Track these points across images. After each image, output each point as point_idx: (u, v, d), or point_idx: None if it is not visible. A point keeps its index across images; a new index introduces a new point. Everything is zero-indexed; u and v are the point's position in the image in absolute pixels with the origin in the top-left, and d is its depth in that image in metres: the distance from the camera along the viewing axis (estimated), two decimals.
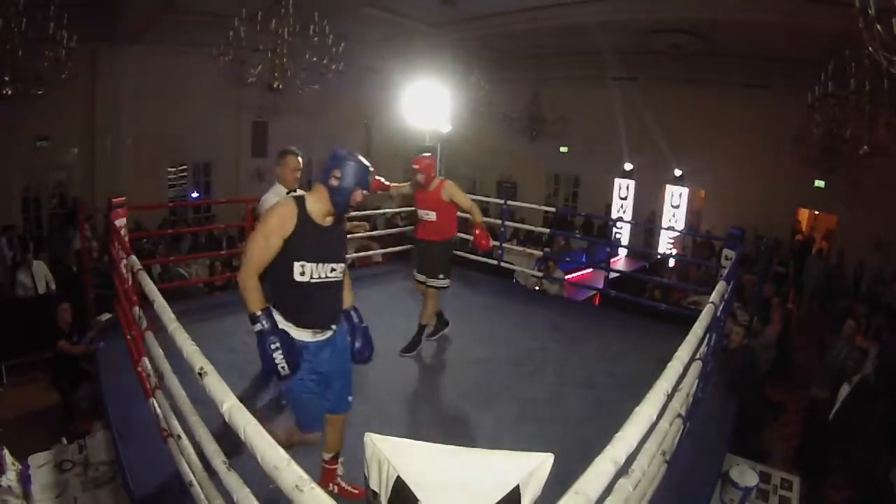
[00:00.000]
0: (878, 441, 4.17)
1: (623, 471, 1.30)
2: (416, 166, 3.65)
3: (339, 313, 2.22)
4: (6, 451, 2.64)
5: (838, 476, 4.32)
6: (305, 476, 1.07)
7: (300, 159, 3.26)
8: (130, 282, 2.90)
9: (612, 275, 6.27)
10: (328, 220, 2.04)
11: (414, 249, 4.04)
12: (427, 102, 6.27)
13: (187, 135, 9.77)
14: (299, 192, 3.33)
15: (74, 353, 4.46)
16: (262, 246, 1.93)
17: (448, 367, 3.68)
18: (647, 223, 11.25)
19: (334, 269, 2.05)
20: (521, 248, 6.56)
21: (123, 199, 3.84)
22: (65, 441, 3.34)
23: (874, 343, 5.29)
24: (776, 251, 9.44)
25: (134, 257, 2.80)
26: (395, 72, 10.11)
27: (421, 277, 3.79)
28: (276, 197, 3.21)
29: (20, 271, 6.26)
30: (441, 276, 3.70)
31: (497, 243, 5.97)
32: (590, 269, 8.04)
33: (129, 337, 3.23)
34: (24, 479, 2.62)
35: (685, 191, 11.07)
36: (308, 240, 1.96)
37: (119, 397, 3.06)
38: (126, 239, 3.49)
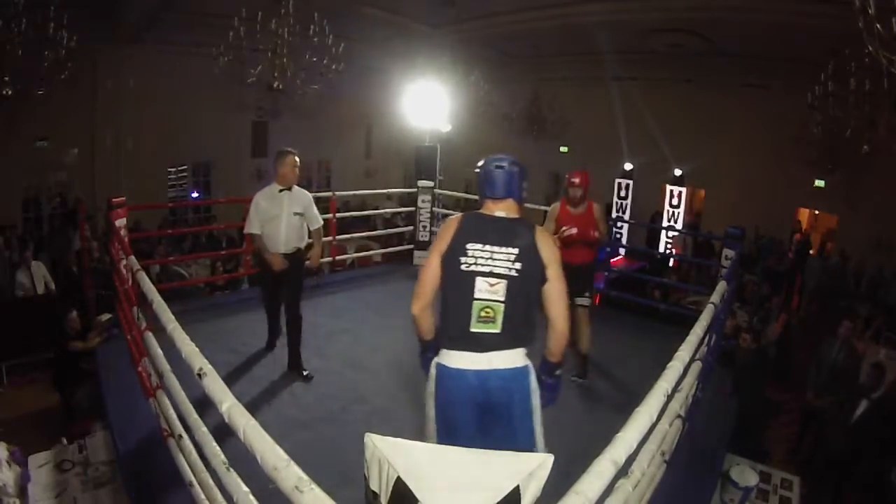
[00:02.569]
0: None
1: (623, 471, 1.30)
2: (575, 180, 3.40)
3: None
4: (2, 447, 2.64)
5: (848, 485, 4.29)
6: (305, 476, 1.07)
7: (297, 158, 3.43)
8: (130, 282, 2.91)
9: (613, 275, 6.27)
10: None
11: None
12: (427, 102, 6.28)
13: (187, 135, 9.77)
14: (295, 189, 3.45)
15: (90, 348, 4.38)
16: None
17: None
18: (650, 223, 11.24)
19: None
20: None
21: (123, 199, 3.85)
22: (65, 441, 3.34)
23: (888, 352, 5.20)
24: (776, 251, 9.43)
25: (133, 258, 2.80)
26: (395, 72, 10.11)
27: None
28: (263, 196, 3.41)
29: (19, 271, 6.26)
30: (587, 293, 3.51)
31: None
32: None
33: (129, 337, 3.23)
34: (23, 476, 2.62)
35: (685, 191, 11.06)
36: None
37: (119, 397, 3.06)
38: (126, 239, 3.50)
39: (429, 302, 1.81)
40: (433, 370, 1.79)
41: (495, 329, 1.70)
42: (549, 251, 1.75)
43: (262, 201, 3.38)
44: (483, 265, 1.70)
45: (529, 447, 1.76)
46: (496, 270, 1.69)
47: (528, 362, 1.78)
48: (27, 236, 8.07)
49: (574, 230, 3.32)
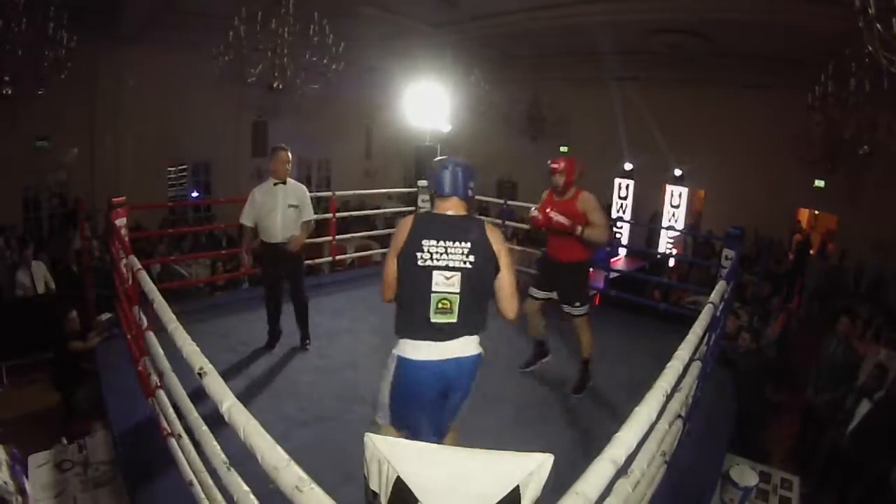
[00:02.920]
0: None
1: (623, 471, 1.30)
2: (554, 167, 3.13)
3: None
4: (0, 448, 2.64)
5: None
6: (305, 476, 1.07)
7: (289, 154, 3.65)
8: (130, 281, 2.91)
9: (613, 274, 6.27)
10: None
11: (540, 264, 3.56)
12: (427, 102, 6.28)
13: (187, 135, 9.77)
14: (291, 182, 3.60)
15: (90, 348, 4.39)
16: None
17: None
18: (650, 223, 11.24)
19: None
20: (521, 248, 6.55)
21: (123, 198, 3.85)
22: (65, 441, 3.34)
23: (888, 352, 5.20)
24: (776, 251, 9.43)
25: (133, 257, 2.80)
26: (395, 72, 10.11)
27: (539, 294, 3.37)
28: (259, 190, 3.64)
29: (19, 271, 6.26)
30: (577, 303, 3.24)
31: None
32: (590, 269, 8.03)
33: (129, 336, 3.23)
34: (17, 473, 2.62)
35: (685, 191, 11.06)
36: None
37: (119, 397, 3.06)
38: (126, 238, 3.50)
39: (394, 292, 1.95)
40: (393, 361, 1.89)
41: (452, 319, 1.82)
42: (498, 244, 1.88)
43: (257, 195, 3.61)
44: (438, 260, 1.80)
45: (463, 408, 2.02)
46: (451, 264, 1.81)
47: (480, 350, 1.94)
48: (27, 236, 8.07)
49: (535, 212, 3.08)
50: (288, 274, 3.70)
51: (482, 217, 2.08)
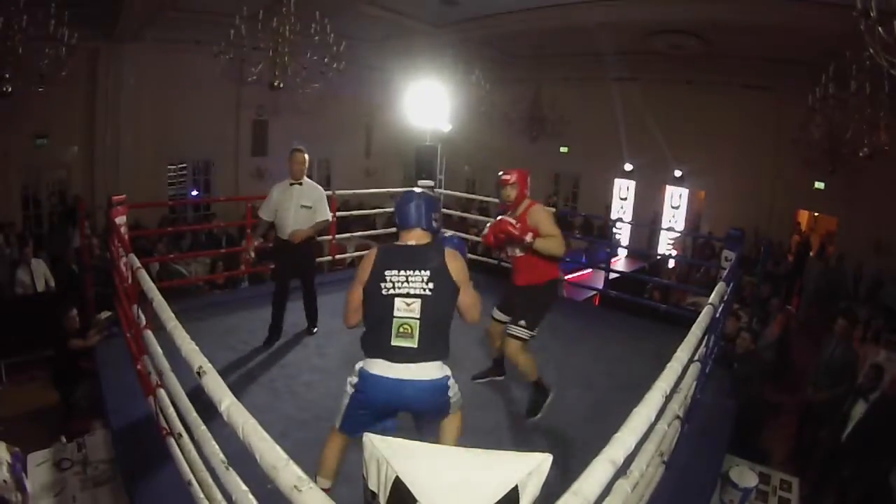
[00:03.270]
0: None
1: (621, 472, 1.30)
2: (506, 178, 2.96)
3: None
4: (2, 447, 2.64)
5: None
6: (304, 476, 1.07)
7: (306, 156, 3.83)
8: (130, 280, 2.91)
9: (612, 275, 6.27)
10: None
11: (505, 287, 3.32)
12: (427, 102, 6.27)
13: (187, 133, 9.76)
14: (307, 183, 3.71)
15: (90, 346, 4.39)
16: None
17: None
18: (651, 224, 11.24)
19: None
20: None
21: (123, 196, 3.85)
22: (64, 440, 3.34)
23: (888, 353, 5.21)
24: (776, 252, 9.44)
25: (133, 255, 2.80)
26: (395, 71, 10.11)
27: (500, 316, 3.18)
28: (277, 188, 3.82)
29: (19, 269, 6.25)
30: (521, 321, 2.92)
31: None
32: (589, 270, 8.05)
33: (128, 335, 3.23)
34: (17, 471, 2.62)
35: (685, 191, 11.07)
36: None
37: (119, 396, 3.06)
38: (126, 237, 3.50)
39: (358, 319, 2.08)
40: (356, 374, 2.02)
41: (412, 343, 1.90)
42: (457, 269, 2.00)
43: (275, 192, 3.80)
44: (399, 287, 1.91)
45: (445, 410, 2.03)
46: (411, 291, 1.90)
47: (445, 374, 1.97)
48: (27, 234, 8.06)
49: (486, 231, 2.90)
50: (299, 266, 3.88)
51: (447, 240, 2.25)
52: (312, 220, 3.76)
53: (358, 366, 2.03)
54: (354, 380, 2.01)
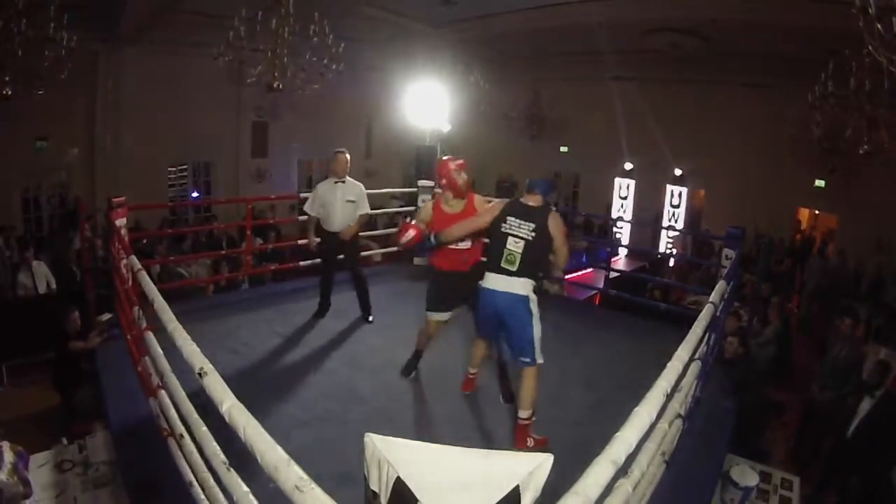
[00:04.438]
0: None
1: (623, 471, 1.30)
2: (455, 167, 3.12)
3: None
4: (5, 444, 2.64)
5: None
6: (305, 476, 1.07)
7: (348, 156, 4.21)
8: (130, 282, 2.91)
9: (613, 274, 6.27)
10: None
11: (437, 282, 3.29)
12: (427, 102, 6.28)
13: (187, 135, 9.76)
14: (349, 181, 4.02)
15: (90, 348, 4.39)
16: None
17: (447, 367, 3.68)
18: (652, 224, 11.24)
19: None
20: None
21: (123, 198, 3.85)
22: (65, 441, 3.34)
23: (888, 352, 5.21)
24: (776, 251, 9.43)
25: (134, 257, 2.80)
26: (395, 72, 10.10)
27: (447, 316, 3.29)
28: (322, 186, 4.18)
29: (20, 272, 6.26)
30: (443, 306, 3.25)
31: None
32: (590, 269, 8.04)
33: (129, 337, 3.23)
34: (21, 471, 2.62)
35: (685, 190, 11.06)
36: None
37: (119, 397, 3.06)
38: (126, 239, 3.50)
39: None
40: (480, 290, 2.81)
41: (513, 269, 2.68)
42: (555, 226, 2.70)
43: (320, 190, 4.16)
44: (513, 230, 2.70)
45: (526, 345, 2.73)
46: (521, 234, 2.68)
47: (527, 293, 2.71)
48: (27, 236, 8.07)
49: (411, 233, 2.99)
50: (346, 256, 4.29)
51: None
52: (356, 213, 4.16)
53: (480, 285, 2.80)
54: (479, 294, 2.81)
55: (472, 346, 3.29)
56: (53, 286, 6.30)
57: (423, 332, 3.39)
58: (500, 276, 2.69)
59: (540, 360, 2.72)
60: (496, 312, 2.74)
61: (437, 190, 3.22)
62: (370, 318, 4.37)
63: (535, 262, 2.71)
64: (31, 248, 6.55)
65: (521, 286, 2.68)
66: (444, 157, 3.24)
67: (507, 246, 2.67)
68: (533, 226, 2.67)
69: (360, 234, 4.54)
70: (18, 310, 5.99)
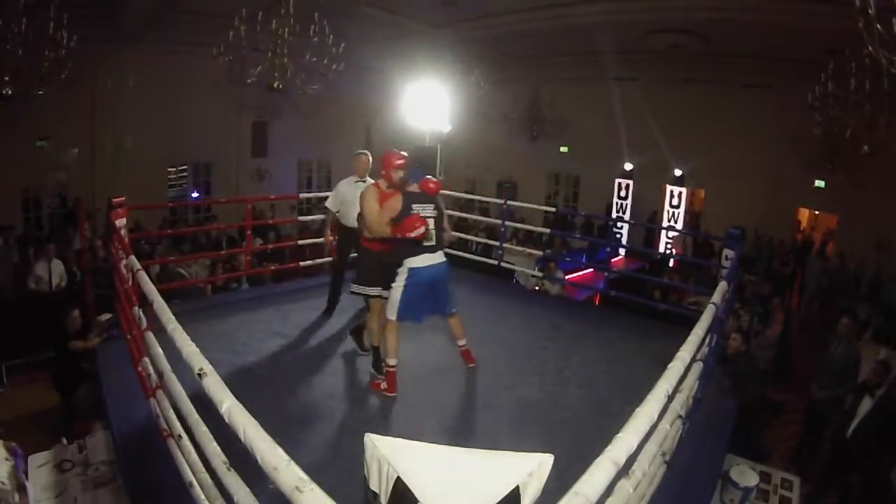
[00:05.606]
0: None
1: (623, 471, 1.30)
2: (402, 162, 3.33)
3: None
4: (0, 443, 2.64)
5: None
6: (305, 476, 1.07)
7: (370, 157, 4.40)
8: (130, 282, 2.91)
9: (613, 275, 6.27)
10: None
11: (371, 262, 3.46)
12: (427, 102, 6.28)
13: (187, 135, 9.76)
14: (370, 180, 4.16)
15: (89, 348, 4.39)
16: None
17: (448, 367, 3.68)
18: (649, 223, 11.24)
19: None
20: (521, 249, 6.56)
21: (123, 198, 3.85)
22: (65, 441, 3.34)
23: (888, 352, 5.22)
24: (777, 251, 9.43)
25: (133, 257, 2.80)
26: (395, 72, 10.10)
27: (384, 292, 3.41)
28: (343, 183, 4.35)
29: (38, 263, 6.29)
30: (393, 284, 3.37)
31: (497, 243, 5.98)
32: (590, 269, 8.05)
33: (128, 337, 3.23)
34: (18, 471, 2.61)
35: (685, 191, 11.06)
36: None
37: (119, 397, 3.06)
38: (126, 239, 3.50)
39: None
40: (405, 273, 3.18)
41: (432, 243, 3.20)
42: (442, 203, 3.42)
43: (341, 187, 4.34)
44: (422, 213, 3.14)
45: (452, 298, 3.41)
46: (428, 215, 3.17)
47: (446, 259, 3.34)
48: (28, 236, 8.07)
49: (421, 228, 3.25)
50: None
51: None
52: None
53: (405, 267, 3.17)
54: (405, 276, 3.16)
55: (391, 336, 3.24)
56: (64, 285, 6.32)
57: (374, 317, 3.42)
58: (428, 253, 3.19)
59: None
60: (432, 283, 3.22)
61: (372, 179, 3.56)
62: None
63: (439, 234, 3.31)
64: (52, 243, 6.62)
65: (441, 255, 3.29)
66: (392, 151, 3.36)
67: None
68: (432, 206, 3.23)
69: None
70: (18, 310, 6.00)
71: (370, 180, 4.23)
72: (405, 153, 3.39)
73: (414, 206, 3.12)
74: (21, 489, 2.55)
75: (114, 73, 8.85)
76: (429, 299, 3.27)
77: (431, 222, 3.15)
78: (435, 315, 3.41)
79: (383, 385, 3.25)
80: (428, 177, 3.27)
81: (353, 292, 3.52)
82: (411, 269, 3.15)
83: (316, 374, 3.50)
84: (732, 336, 4.09)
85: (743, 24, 7.40)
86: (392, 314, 3.19)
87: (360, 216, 3.48)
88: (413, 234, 3.02)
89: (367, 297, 3.46)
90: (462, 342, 3.55)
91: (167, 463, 2.27)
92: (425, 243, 3.13)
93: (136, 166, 9.35)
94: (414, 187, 3.23)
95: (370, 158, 4.38)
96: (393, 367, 3.23)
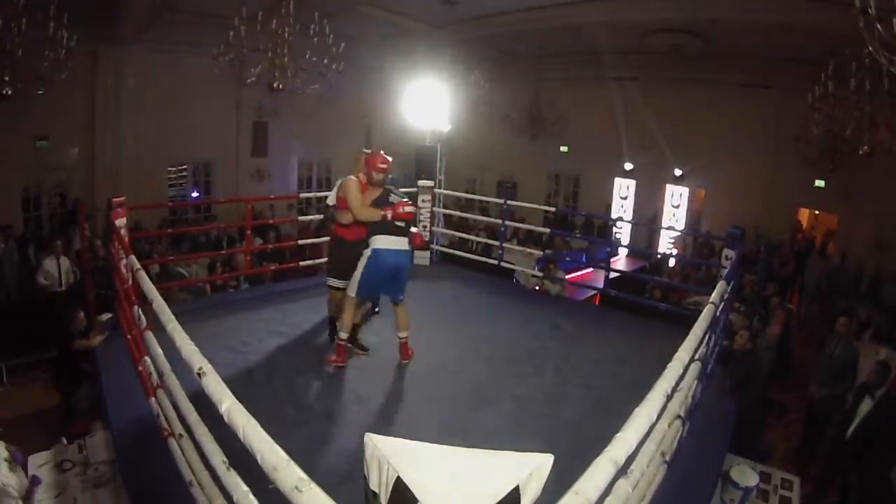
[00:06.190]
0: None
1: (623, 471, 1.30)
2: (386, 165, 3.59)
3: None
4: (1, 446, 2.64)
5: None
6: (305, 476, 1.07)
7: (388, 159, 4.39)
8: (130, 281, 2.91)
9: (613, 274, 6.27)
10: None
11: (343, 253, 3.74)
12: (427, 102, 6.27)
13: (187, 135, 9.76)
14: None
15: (92, 347, 4.39)
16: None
17: (448, 367, 3.68)
18: (650, 223, 11.24)
19: None
20: (521, 248, 6.55)
21: (123, 198, 3.85)
22: (65, 441, 3.34)
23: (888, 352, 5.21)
24: (777, 251, 9.42)
25: (133, 257, 2.80)
26: (395, 72, 10.09)
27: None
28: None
29: (47, 259, 6.29)
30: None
31: (497, 243, 5.98)
32: (590, 269, 8.04)
33: (128, 337, 3.24)
34: (31, 479, 2.62)
35: (685, 191, 11.06)
36: None
37: (119, 397, 3.06)
38: (126, 239, 3.50)
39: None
40: (370, 251, 3.43)
41: (402, 226, 3.45)
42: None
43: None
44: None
45: (403, 289, 3.55)
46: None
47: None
48: (28, 236, 8.07)
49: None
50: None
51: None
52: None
53: (370, 248, 3.41)
54: (367, 256, 3.41)
55: (348, 311, 3.48)
56: (72, 282, 6.33)
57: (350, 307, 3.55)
58: (395, 236, 3.38)
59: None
60: (393, 269, 3.43)
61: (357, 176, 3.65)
62: (377, 310, 4.41)
63: (409, 227, 3.52)
64: (60, 241, 6.61)
65: (406, 243, 3.50)
66: (379, 154, 3.58)
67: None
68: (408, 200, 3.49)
69: None
70: (18, 310, 6.00)
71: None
72: (391, 159, 3.60)
73: (391, 197, 3.43)
74: (27, 497, 2.56)
75: (114, 72, 8.84)
76: (387, 283, 3.48)
77: (412, 209, 3.48)
78: (387, 298, 3.66)
79: (333, 357, 3.54)
80: (403, 201, 3.47)
81: (329, 286, 3.76)
82: (375, 250, 3.39)
83: (316, 374, 3.51)
84: (740, 333, 4.09)
85: (743, 23, 7.40)
86: (352, 291, 3.46)
87: (334, 207, 3.74)
88: (403, 212, 3.41)
89: (338, 290, 3.66)
90: (403, 335, 3.62)
91: (167, 463, 2.27)
92: (397, 223, 3.37)
93: (136, 166, 9.34)
94: (388, 207, 3.42)
95: (389, 159, 4.44)
96: (343, 341, 3.52)
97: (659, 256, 9.58)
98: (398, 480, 0.93)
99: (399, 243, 3.43)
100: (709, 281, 6.66)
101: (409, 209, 3.45)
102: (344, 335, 3.51)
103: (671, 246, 10.93)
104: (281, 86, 6.55)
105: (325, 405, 3.14)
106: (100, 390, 3.29)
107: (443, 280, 5.67)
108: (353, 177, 3.63)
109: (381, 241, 3.40)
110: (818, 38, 6.63)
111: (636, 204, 11.72)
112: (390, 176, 3.71)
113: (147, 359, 2.58)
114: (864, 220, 8.72)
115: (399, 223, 3.42)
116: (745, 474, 3.01)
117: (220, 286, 6.08)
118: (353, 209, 3.47)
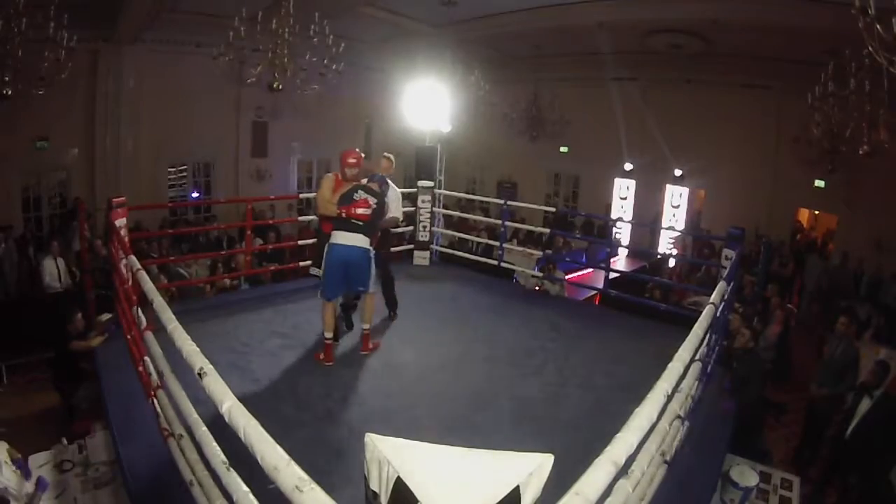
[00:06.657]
0: None
1: (623, 471, 1.30)
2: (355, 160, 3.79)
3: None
4: (2, 447, 2.63)
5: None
6: (305, 476, 1.07)
7: (391, 159, 4.57)
8: (130, 282, 2.91)
9: (612, 275, 6.27)
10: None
11: (320, 246, 3.95)
12: (427, 102, 6.27)
13: (187, 135, 9.75)
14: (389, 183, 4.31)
15: (91, 348, 4.39)
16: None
17: (448, 367, 3.68)
18: (651, 223, 11.24)
19: None
20: (521, 249, 6.55)
21: (123, 199, 3.85)
22: (65, 441, 3.34)
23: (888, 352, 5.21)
24: (777, 251, 9.42)
25: (133, 257, 2.80)
26: (395, 72, 10.09)
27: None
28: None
29: (46, 260, 6.31)
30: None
31: (497, 243, 5.98)
32: (590, 269, 8.04)
33: (129, 337, 3.24)
34: (25, 474, 2.61)
35: (685, 191, 11.06)
36: None
37: (119, 397, 3.06)
38: (126, 239, 3.50)
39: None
40: (328, 247, 3.58)
41: (359, 224, 3.54)
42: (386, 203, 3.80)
43: None
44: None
45: (366, 281, 3.61)
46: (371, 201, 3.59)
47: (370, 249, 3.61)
48: (28, 236, 8.07)
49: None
50: (375, 253, 4.64)
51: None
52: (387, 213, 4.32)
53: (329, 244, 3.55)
54: (325, 253, 3.58)
55: (325, 312, 3.65)
56: (71, 282, 6.34)
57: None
58: (348, 232, 3.49)
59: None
60: (345, 263, 3.52)
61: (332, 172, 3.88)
62: (394, 315, 4.54)
63: (372, 222, 3.60)
64: (57, 239, 6.66)
65: (362, 239, 3.56)
66: (350, 151, 3.80)
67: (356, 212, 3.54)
68: (374, 199, 3.58)
69: None
70: (18, 310, 5.99)
71: (390, 184, 4.36)
72: (362, 155, 3.87)
73: (356, 194, 3.54)
74: (26, 495, 2.55)
75: (113, 73, 8.84)
76: (345, 279, 3.58)
77: (368, 211, 3.54)
78: (350, 292, 3.86)
79: (322, 356, 3.65)
80: (361, 200, 3.60)
81: (312, 274, 3.97)
82: (330, 244, 3.53)
83: (316, 374, 3.51)
84: (741, 331, 4.09)
85: (743, 23, 7.40)
86: (321, 294, 3.64)
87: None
88: (355, 213, 3.53)
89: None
90: (365, 326, 3.77)
91: (167, 462, 2.27)
92: (353, 221, 3.49)
93: (136, 166, 9.33)
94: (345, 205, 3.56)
95: (392, 161, 4.53)
96: (329, 339, 3.65)
97: (659, 257, 9.58)
98: (398, 480, 0.94)
99: (352, 239, 3.52)
100: (709, 281, 6.66)
101: (361, 210, 3.55)
102: (328, 334, 3.65)
103: (671, 246, 10.93)
104: (281, 86, 6.54)
105: (325, 405, 3.14)
106: (100, 390, 3.29)
107: (443, 280, 5.67)
108: (329, 173, 3.85)
109: (337, 237, 3.54)
110: (818, 38, 6.63)
111: (636, 204, 11.72)
112: (388, 175, 3.84)
113: (147, 359, 2.58)
114: (863, 220, 8.72)
115: (356, 221, 3.53)
116: (745, 474, 3.01)
117: (226, 287, 6.08)
118: (318, 204, 3.71)
